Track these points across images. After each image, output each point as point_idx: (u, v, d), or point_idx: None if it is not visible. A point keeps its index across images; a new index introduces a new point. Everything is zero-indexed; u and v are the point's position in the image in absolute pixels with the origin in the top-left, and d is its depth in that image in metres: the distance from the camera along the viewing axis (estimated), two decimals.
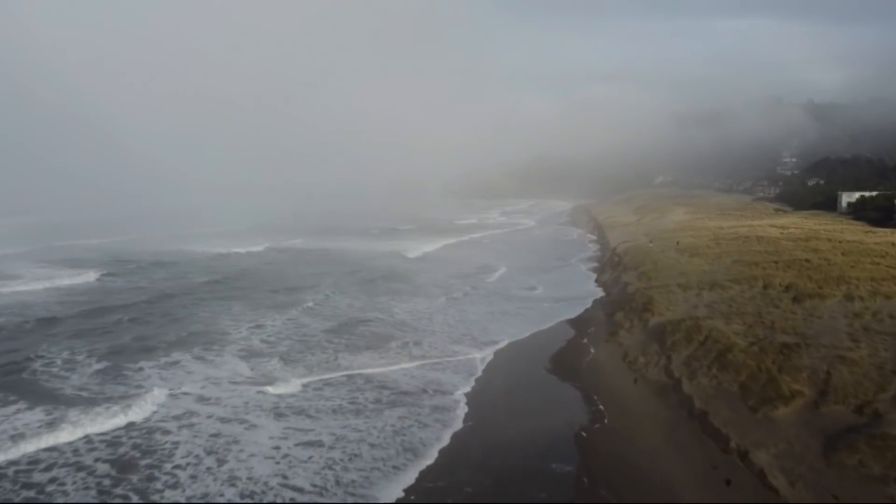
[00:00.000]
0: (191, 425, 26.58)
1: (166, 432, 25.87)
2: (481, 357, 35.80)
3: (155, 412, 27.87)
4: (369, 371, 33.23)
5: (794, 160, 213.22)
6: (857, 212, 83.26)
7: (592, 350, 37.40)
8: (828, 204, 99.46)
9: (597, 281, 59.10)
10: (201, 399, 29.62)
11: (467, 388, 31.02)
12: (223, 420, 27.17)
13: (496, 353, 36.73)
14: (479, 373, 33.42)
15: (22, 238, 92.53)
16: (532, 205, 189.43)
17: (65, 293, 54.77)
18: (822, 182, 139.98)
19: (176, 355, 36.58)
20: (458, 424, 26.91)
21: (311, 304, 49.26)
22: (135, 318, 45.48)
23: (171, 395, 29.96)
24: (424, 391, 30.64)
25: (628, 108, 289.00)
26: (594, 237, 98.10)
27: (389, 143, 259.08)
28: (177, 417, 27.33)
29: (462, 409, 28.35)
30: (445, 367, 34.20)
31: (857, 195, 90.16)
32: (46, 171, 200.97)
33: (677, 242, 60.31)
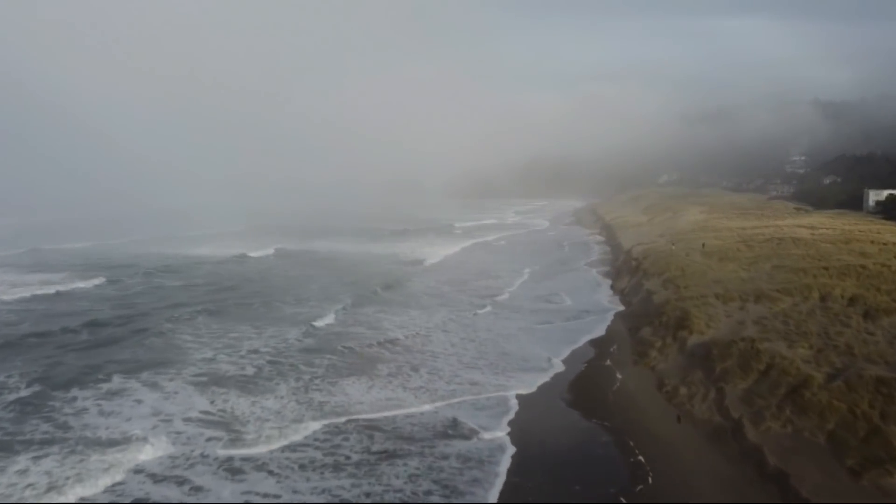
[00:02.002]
0: (111, 487, 20.49)
1: None
2: (512, 395, 28.95)
3: (63, 462, 21.80)
4: (371, 416, 26.38)
5: (803, 158, 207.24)
6: (888, 211, 77.32)
7: (619, 375, 31.38)
8: (851, 202, 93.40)
9: (612, 288, 53.05)
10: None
11: (498, 433, 24.83)
12: (157, 479, 21.08)
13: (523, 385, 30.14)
14: (512, 413, 27.00)
15: (6, 241, 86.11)
16: (543, 205, 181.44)
17: (25, 303, 48.87)
18: (838, 180, 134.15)
19: (123, 381, 30.69)
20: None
21: (327, 320, 41.96)
22: (94, 334, 39.56)
23: (98, 440, 23.93)
24: (446, 435, 24.57)
25: (632, 106, 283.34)
26: (602, 238, 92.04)
27: (387, 140, 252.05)
28: None
29: (505, 464, 22.30)
30: (461, 405, 27.82)
31: (885, 193, 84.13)
32: (38, 168, 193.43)
33: (703, 245, 54.21)
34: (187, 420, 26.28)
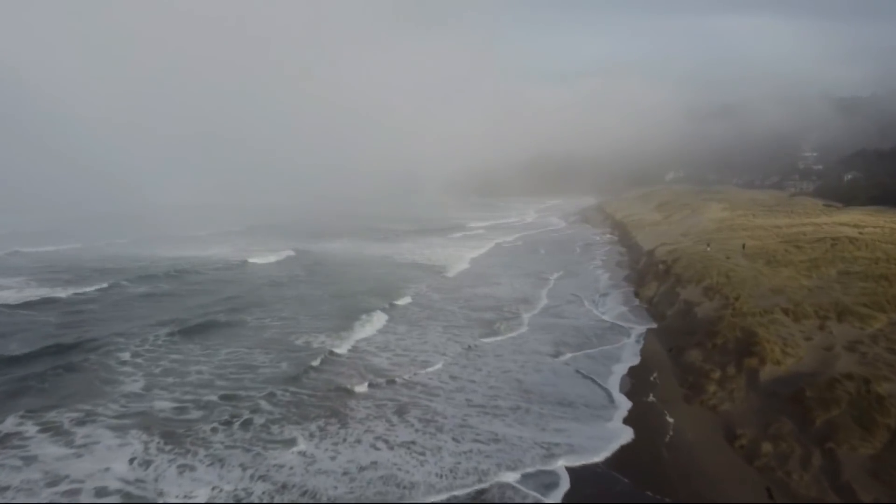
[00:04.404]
0: None
1: None
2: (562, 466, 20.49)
3: None
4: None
5: (815, 154, 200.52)
6: None
7: (669, 419, 23.99)
8: (885, 199, 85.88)
9: (637, 296, 45.58)
10: None
11: None
12: None
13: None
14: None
15: None
16: (554, 204, 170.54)
17: None
18: (859, 176, 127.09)
19: (16, 424, 23.34)
20: None
21: (325, 345, 33.03)
22: (18, 359, 31.82)
23: None
24: None
25: (637, 103, 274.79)
26: (616, 238, 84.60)
27: (385, 127, 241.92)
28: None
29: None
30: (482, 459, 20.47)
31: None
32: (48, 164, 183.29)
33: (743, 246, 46.89)
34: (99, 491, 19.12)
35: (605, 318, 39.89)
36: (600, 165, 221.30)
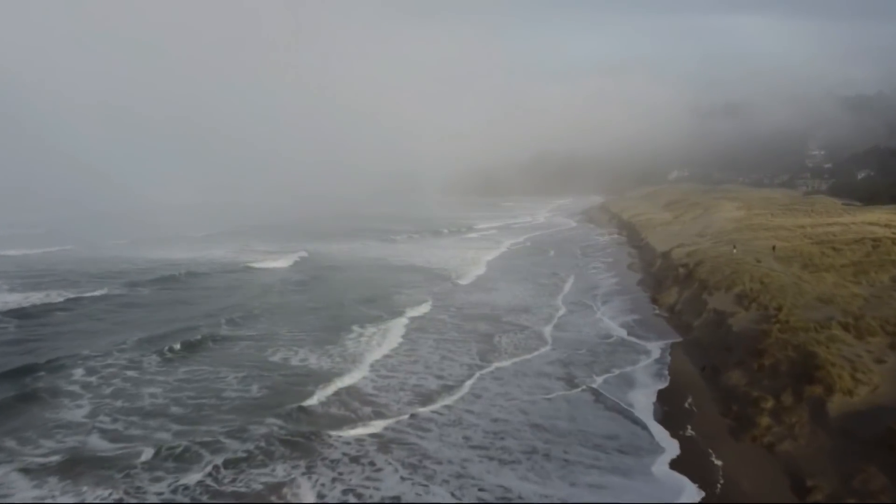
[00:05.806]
0: None
1: None
2: None
3: None
4: None
5: (822, 153, 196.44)
6: None
7: (716, 460, 19.62)
8: None
9: (655, 303, 41.19)
10: None
11: None
12: None
13: None
14: None
15: None
16: (560, 204, 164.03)
17: None
18: (871, 174, 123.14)
19: None
20: None
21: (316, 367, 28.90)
22: None
23: None
24: None
25: (640, 102, 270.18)
26: (623, 238, 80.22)
27: (383, 128, 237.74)
28: None
29: None
30: None
31: None
32: (51, 164, 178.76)
33: (773, 248, 42.52)
34: None
35: (621, 329, 35.40)
36: (603, 164, 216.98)
